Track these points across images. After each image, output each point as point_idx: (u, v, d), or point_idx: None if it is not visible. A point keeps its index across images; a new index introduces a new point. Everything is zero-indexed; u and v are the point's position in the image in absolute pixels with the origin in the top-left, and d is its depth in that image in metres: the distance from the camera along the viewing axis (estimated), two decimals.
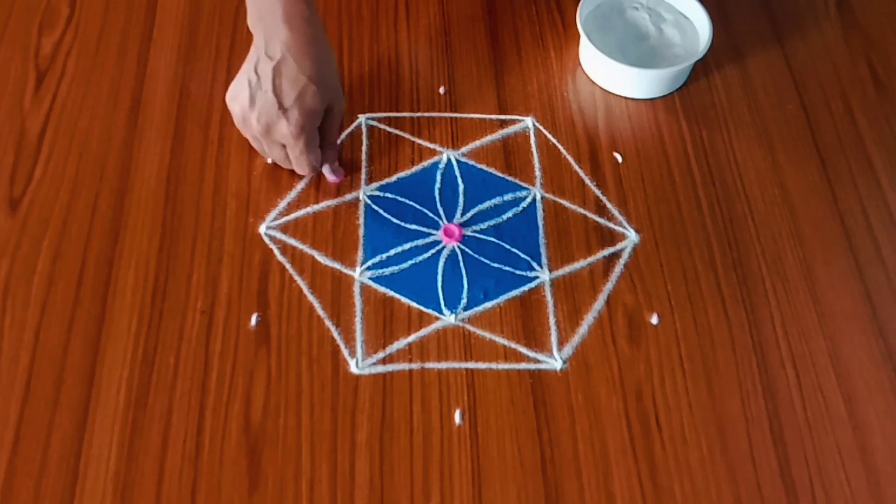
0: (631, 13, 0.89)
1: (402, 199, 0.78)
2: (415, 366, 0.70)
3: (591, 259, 0.76)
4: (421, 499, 0.64)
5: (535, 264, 0.75)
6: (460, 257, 0.75)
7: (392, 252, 0.75)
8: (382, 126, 0.83)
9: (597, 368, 0.70)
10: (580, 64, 0.88)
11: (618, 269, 0.75)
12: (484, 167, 0.81)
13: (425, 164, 0.81)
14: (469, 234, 0.77)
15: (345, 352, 0.70)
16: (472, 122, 0.83)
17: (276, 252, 0.75)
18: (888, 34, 0.91)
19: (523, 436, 0.67)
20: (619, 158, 0.81)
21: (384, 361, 0.70)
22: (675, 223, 0.78)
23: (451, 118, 0.83)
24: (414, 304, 0.73)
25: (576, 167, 0.81)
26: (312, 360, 0.70)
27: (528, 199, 0.79)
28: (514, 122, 0.83)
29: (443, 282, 0.74)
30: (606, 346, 0.71)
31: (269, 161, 0.78)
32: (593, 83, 0.86)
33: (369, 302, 0.73)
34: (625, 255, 0.76)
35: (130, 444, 0.65)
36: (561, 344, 0.71)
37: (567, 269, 0.75)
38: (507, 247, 0.76)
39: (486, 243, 0.76)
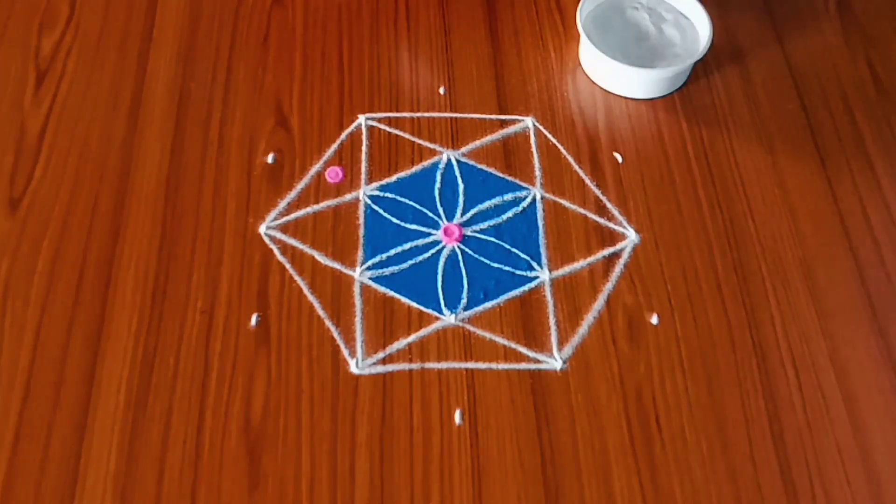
0: (631, 13, 0.89)
1: (402, 199, 0.78)
2: (415, 366, 0.70)
3: (591, 259, 0.76)
4: (421, 499, 0.64)
5: (535, 264, 0.75)
6: (460, 257, 0.75)
7: (392, 252, 0.75)
8: (382, 126, 0.83)
9: (597, 368, 0.70)
10: (580, 64, 0.88)
11: (618, 269, 0.75)
12: (484, 167, 0.81)
13: (425, 164, 0.81)
14: (469, 234, 0.77)
15: (345, 352, 0.70)
16: (472, 122, 0.83)
17: (276, 252, 0.75)
18: (888, 34, 0.91)
19: (523, 436, 0.67)
20: (619, 158, 0.81)
21: (384, 361, 0.70)
22: (675, 223, 0.78)
23: (451, 118, 0.83)
24: (414, 304, 0.73)
25: (576, 167, 0.81)
26: (312, 360, 0.70)
27: (528, 199, 0.79)
28: (514, 122, 0.83)
29: (443, 282, 0.74)
30: (606, 346, 0.71)
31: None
32: (593, 83, 0.86)
33: (369, 302, 0.73)
34: (625, 255, 0.76)
35: (130, 445, 0.65)
36: (561, 344, 0.71)
37: (567, 269, 0.75)
38: (507, 247, 0.76)
39: (486, 243, 0.76)
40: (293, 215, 0.77)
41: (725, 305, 0.73)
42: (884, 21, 0.92)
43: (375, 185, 0.79)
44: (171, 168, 0.79)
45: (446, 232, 0.77)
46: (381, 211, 0.78)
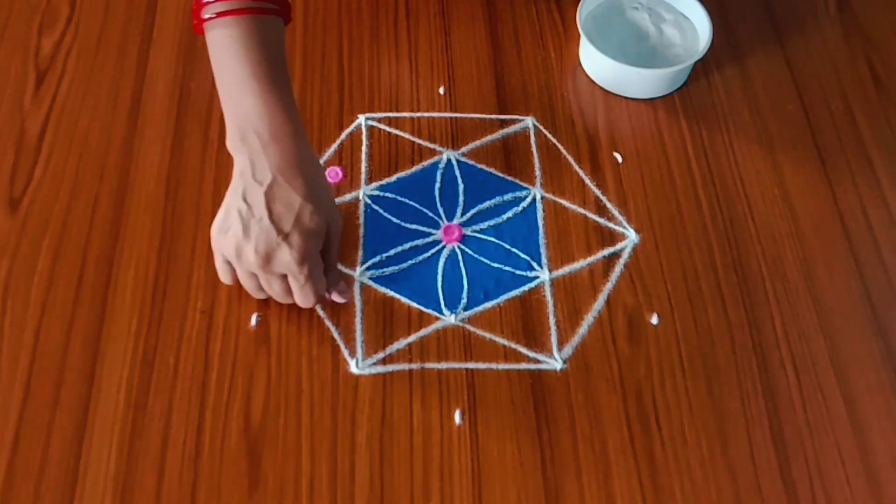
0: (631, 13, 0.89)
1: (402, 199, 0.78)
2: (415, 366, 0.70)
3: (591, 259, 0.76)
4: (421, 499, 0.64)
5: (535, 264, 0.75)
6: (460, 257, 0.75)
7: (392, 252, 0.75)
8: (382, 126, 0.83)
9: (597, 368, 0.70)
10: (580, 64, 0.88)
11: (618, 269, 0.75)
12: (484, 167, 0.81)
13: (425, 164, 0.81)
14: (469, 233, 0.77)
15: (345, 352, 0.70)
16: (472, 122, 0.83)
17: None
18: (888, 34, 0.91)
19: (523, 436, 0.67)
20: (619, 158, 0.81)
21: (384, 361, 0.70)
22: (675, 223, 0.78)
23: (451, 118, 0.83)
24: (414, 304, 0.73)
25: (576, 167, 0.81)
26: (312, 360, 0.70)
27: (528, 199, 0.79)
28: (514, 122, 0.83)
29: (443, 282, 0.74)
30: (606, 346, 0.71)
31: (261, 297, 0.71)
32: (593, 83, 0.86)
33: (369, 302, 0.73)
34: (625, 255, 0.76)
35: (130, 444, 0.65)
36: (561, 344, 0.71)
37: (567, 269, 0.75)
38: (507, 247, 0.76)
39: (486, 243, 0.76)
40: None
41: (725, 305, 0.73)
42: (884, 21, 0.92)
43: (375, 185, 0.79)
44: (171, 168, 0.79)
45: (446, 232, 0.77)
46: (381, 211, 0.78)
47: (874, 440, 0.67)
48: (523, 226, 0.77)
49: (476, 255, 0.75)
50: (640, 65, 0.83)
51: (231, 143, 0.67)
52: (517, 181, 0.80)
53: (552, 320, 0.72)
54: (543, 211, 0.78)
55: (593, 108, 0.85)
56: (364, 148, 0.81)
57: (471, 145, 0.82)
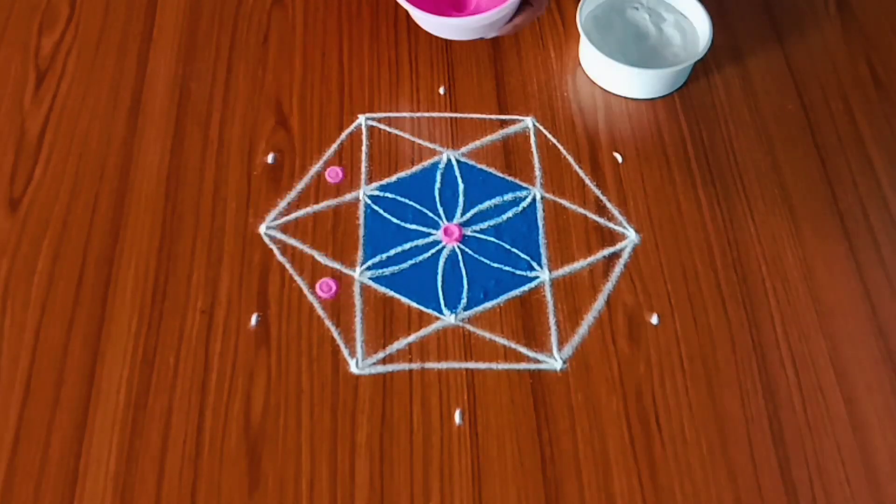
0: (631, 13, 0.89)
1: (402, 199, 0.78)
2: (415, 366, 0.70)
3: (591, 259, 0.76)
4: (421, 499, 0.64)
5: (535, 264, 0.75)
6: (460, 257, 0.75)
7: (392, 252, 0.75)
8: (382, 126, 0.83)
9: (597, 368, 0.70)
10: (580, 64, 0.88)
11: (618, 269, 0.75)
12: (484, 167, 0.81)
13: (425, 164, 0.81)
14: (469, 234, 0.77)
15: (345, 352, 0.70)
16: (472, 122, 0.83)
17: (276, 252, 0.75)
18: (888, 34, 0.91)
19: (523, 436, 0.67)
20: (619, 158, 0.81)
21: (384, 361, 0.70)
22: (675, 223, 0.78)
23: (451, 118, 0.83)
24: (414, 304, 0.73)
25: (576, 167, 0.81)
26: (312, 360, 0.70)
27: (528, 199, 0.79)
28: (514, 122, 0.83)
29: (443, 282, 0.74)
30: (606, 346, 0.71)
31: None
32: (593, 83, 0.86)
33: (369, 302, 0.73)
34: (625, 255, 0.76)
35: (130, 444, 0.65)
36: (561, 344, 0.71)
37: (567, 269, 0.75)
38: (507, 247, 0.76)
39: (486, 243, 0.76)
40: (293, 215, 0.77)
41: (725, 305, 0.73)
42: (884, 21, 0.92)
43: (375, 185, 0.79)
44: (171, 168, 0.79)
45: (446, 232, 0.77)
46: (381, 211, 0.78)
47: (874, 440, 0.67)
48: (523, 226, 0.77)
49: (476, 255, 0.75)
50: (640, 65, 0.83)
51: None
52: (517, 181, 0.80)
53: (552, 320, 0.72)
54: (543, 211, 0.78)
55: (593, 108, 0.85)
56: (364, 148, 0.81)
57: (471, 145, 0.82)
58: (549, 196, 0.79)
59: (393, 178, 0.80)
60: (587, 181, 0.80)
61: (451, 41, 0.88)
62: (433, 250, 0.76)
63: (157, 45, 0.87)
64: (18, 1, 0.90)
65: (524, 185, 0.80)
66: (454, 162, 0.81)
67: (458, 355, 0.70)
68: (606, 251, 0.76)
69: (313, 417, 0.67)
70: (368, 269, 0.74)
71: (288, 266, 0.74)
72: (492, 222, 0.77)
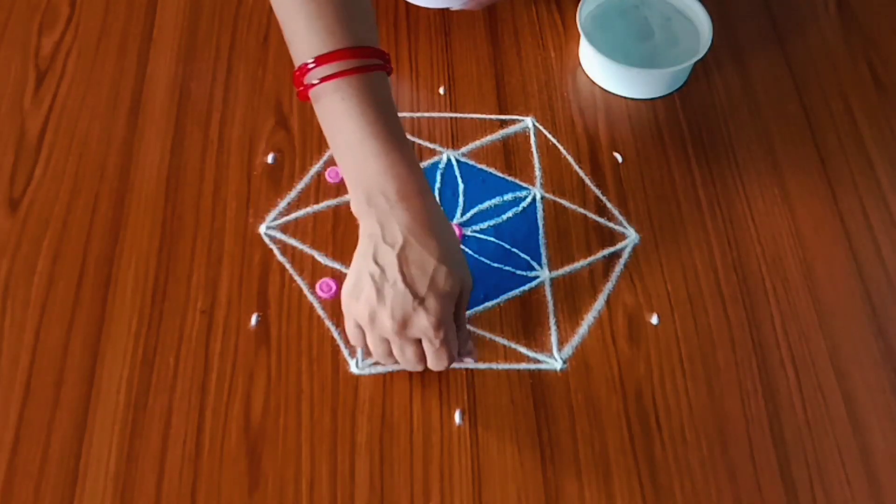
0: (631, 13, 0.89)
1: None
2: None
3: (591, 259, 0.76)
4: (421, 499, 0.64)
5: (535, 264, 0.75)
6: None
7: None
8: None
9: (597, 368, 0.70)
10: (580, 64, 0.88)
11: (618, 269, 0.75)
12: (484, 167, 0.81)
13: (425, 164, 0.81)
14: (469, 233, 0.77)
15: (345, 352, 0.70)
16: (472, 122, 0.83)
17: (276, 252, 0.75)
18: (888, 34, 0.91)
19: (523, 436, 0.67)
20: (619, 158, 0.81)
21: None
22: (675, 223, 0.78)
23: (451, 118, 0.83)
24: None
25: (576, 167, 0.81)
26: (312, 360, 0.70)
27: (528, 199, 0.79)
28: (514, 122, 0.83)
29: None
30: (606, 346, 0.71)
31: (389, 363, 0.67)
32: (593, 83, 0.86)
33: None
34: (625, 255, 0.76)
35: (130, 444, 0.65)
36: (561, 344, 0.71)
37: (567, 269, 0.75)
38: (507, 247, 0.76)
39: (486, 243, 0.76)
40: (293, 215, 0.77)
41: (725, 305, 0.73)
42: (884, 21, 0.92)
43: None
44: (171, 168, 0.79)
45: None
46: None
47: (874, 440, 0.67)
48: (523, 226, 0.77)
49: (476, 255, 0.75)
50: (640, 65, 0.83)
51: (356, 207, 0.64)
52: (517, 181, 0.80)
53: (552, 320, 0.72)
54: (543, 211, 0.78)
55: (593, 108, 0.85)
56: None
57: (471, 145, 0.82)
58: (549, 196, 0.79)
59: None
60: (587, 181, 0.80)
61: (450, 41, 0.88)
62: None
63: (157, 45, 0.87)
64: (18, 1, 0.90)
65: (524, 185, 0.80)
66: (454, 162, 0.81)
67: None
68: (606, 251, 0.76)
69: (313, 417, 0.67)
70: None
71: (288, 266, 0.74)
72: (492, 222, 0.77)
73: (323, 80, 0.62)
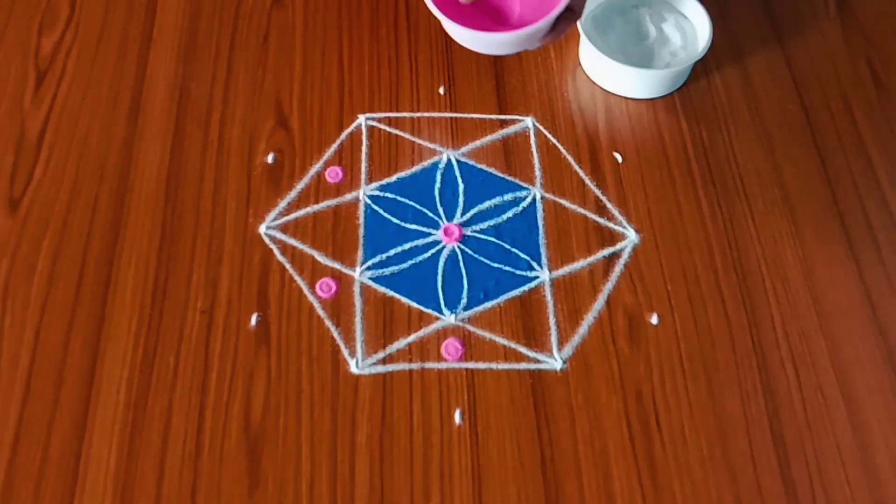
0: (631, 13, 0.89)
1: (402, 199, 0.78)
2: (415, 366, 0.70)
3: (591, 259, 0.76)
4: (421, 499, 0.64)
5: (535, 264, 0.75)
6: (460, 257, 0.75)
7: (392, 252, 0.75)
8: (382, 126, 0.83)
9: (597, 368, 0.70)
10: (580, 64, 0.88)
11: (618, 269, 0.75)
12: (484, 167, 0.81)
13: (425, 164, 0.81)
14: (469, 234, 0.77)
15: (345, 352, 0.70)
16: (472, 122, 0.83)
17: (276, 252, 0.75)
18: (888, 34, 0.91)
19: (523, 436, 0.67)
20: (619, 158, 0.81)
21: (384, 361, 0.70)
22: (675, 223, 0.78)
23: (450, 118, 0.83)
24: (414, 304, 0.73)
25: (576, 167, 0.81)
26: (312, 360, 0.70)
27: (528, 199, 0.79)
28: (514, 122, 0.83)
29: (443, 282, 0.74)
30: (606, 346, 0.71)
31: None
32: (593, 83, 0.86)
33: (369, 302, 0.73)
34: (625, 255, 0.76)
35: (130, 444, 0.65)
36: (561, 344, 0.71)
37: (567, 269, 0.75)
38: (507, 247, 0.76)
39: (486, 243, 0.76)
40: (293, 215, 0.77)
41: (725, 305, 0.73)
42: (884, 21, 0.92)
43: (375, 185, 0.79)
44: (171, 168, 0.79)
45: (446, 232, 0.77)
46: (381, 211, 0.78)
47: (874, 440, 0.67)
48: (523, 226, 0.77)
49: (476, 255, 0.75)
50: (640, 65, 0.83)
51: None
52: (517, 181, 0.80)
53: (552, 320, 0.72)
54: (543, 211, 0.78)
55: (593, 108, 0.85)
56: (364, 148, 0.81)
57: (471, 145, 0.82)
58: (549, 196, 0.79)
59: (393, 178, 0.80)
60: (587, 181, 0.80)
61: (450, 41, 0.88)
62: (433, 250, 0.76)
63: (157, 45, 0.87)
64: (18, 1, 0.90)
65: (524, 185, 0.80)
66: (454, 162, 0.81)
67: (458, 355, 0.70)
68: (606, 251, 0.76)
69: (313, 417, 0.67)
70: (368, 269, 0.74)
71: (288, 266, 0.74)
72: (492, 222, 0.77)
73: None
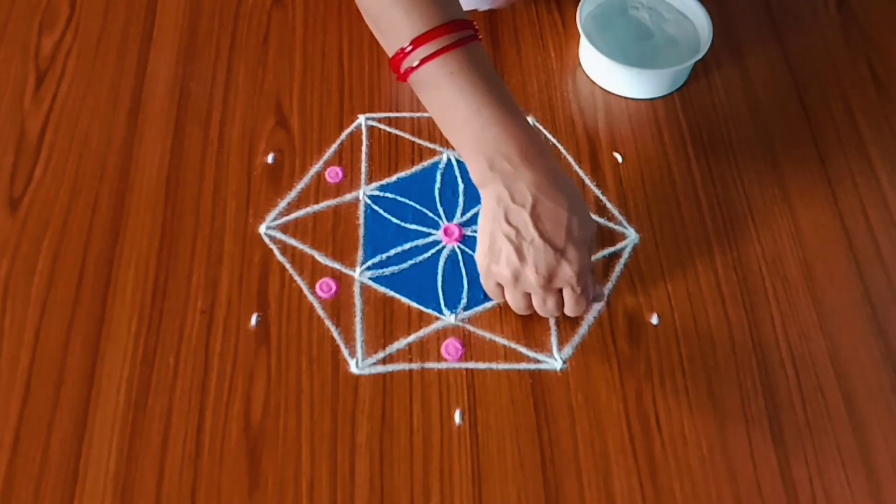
0: (631, 13, 0.89)
1: (402, 199, 0.78)
2: (415, 366, 0.70)
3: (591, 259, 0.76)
4: (421, 499, 0.64)
5: None
6: (460, 257, 0.75)
7: (392, 252, 0.75)
8: (382, 126, 0.83)
9: (597, 368, 0.70)
10: (580, 64, 0.88)
11: (618, 269, 0.75)
12: None
13: (425, 164, 0.81)
14: (469, 233, 0.77)
15: (345, 352, 0.70)
16: None
17: (276, 252, 0.75)
18: (888, 34, 0.91)
19: (523, 436, 0.67)
20: (619, 158, 0.81)
21: (384, 361, 0.70)
22: (675, 223, 0.78)
23: None
24: (414, 304, 0.73)
25: (576, 167, 0.81)
26: (312, 360, 0.70)
27: None
28: None
29: (443, 282, 0.74)
30: (606, 346, 0.71)
31: (526, 313, 0.71)
32: (593, 83, 0.86)
33: (369, 302, 0.73)
34: (625, 255, 0.76)
35: (130, 444, 0.65)
36: (561, 344, 0.71)
37: None
38: None
39: None
40: (293, 215, 0.77)
41: (725, 305, 0.73)
42: (884, 21, 0.92)
43: (375, 185, 0.79)
44: (171, 168, 0.79)
45: (446, 232, 0.77)
46: (381, 211, 0.78)
47: (874, 440, 0.67)
48: None
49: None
50: (640, 65, 0.83)
51: (478, 176, 0.66)
52: None
53: (552, 320, 0.72)
54: None
55: (593, 108, 0.85)
56: (364, 148, 0.81)
57: None
58: None
59: (393, 178, 0.80)
60: (587, 181, 0.80)
61: None
62: (433, 250, 0.76)
63: (157, 45, 0.87)
64: (18, 1, 0.90)
65: None
66: (454, 162, 0.81)
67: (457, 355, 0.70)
68: (606, 251, 0.76)
69: (313, 417, 0.67)
70: (368, 269, 0.74)
71: (288, 266, 0.74)
72: None
73: (424, 60, 0.65)
